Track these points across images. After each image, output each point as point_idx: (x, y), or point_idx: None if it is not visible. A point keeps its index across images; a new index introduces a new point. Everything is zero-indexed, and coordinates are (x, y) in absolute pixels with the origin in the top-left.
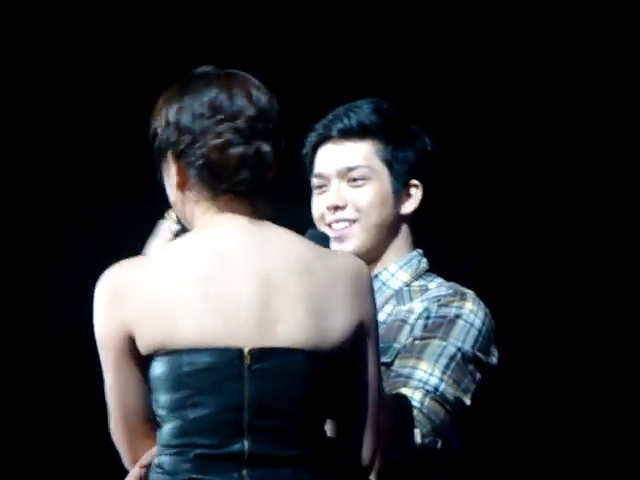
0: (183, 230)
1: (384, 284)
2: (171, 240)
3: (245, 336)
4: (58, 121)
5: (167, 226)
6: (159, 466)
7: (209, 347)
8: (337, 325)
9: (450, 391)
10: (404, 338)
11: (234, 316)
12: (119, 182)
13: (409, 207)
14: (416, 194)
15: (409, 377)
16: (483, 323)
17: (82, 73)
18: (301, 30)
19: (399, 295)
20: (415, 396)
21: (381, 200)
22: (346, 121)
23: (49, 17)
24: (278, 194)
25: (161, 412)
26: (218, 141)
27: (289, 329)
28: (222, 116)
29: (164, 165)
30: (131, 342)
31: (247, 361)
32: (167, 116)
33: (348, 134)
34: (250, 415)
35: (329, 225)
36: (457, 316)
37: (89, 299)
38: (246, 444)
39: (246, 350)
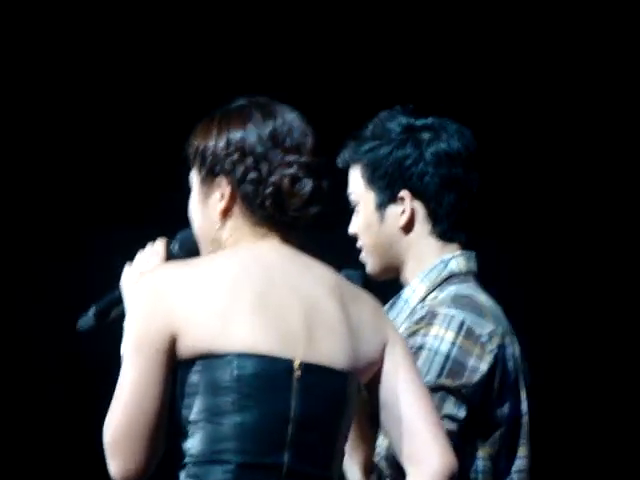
0: (187, 255)
1: (406, 302)
2: (166, 259)
3: (295, 349)
4: (57, 141)
5: (155, 251)
6: (194, 476)
7: (260, 354)
8: (369, 344)
9: None
10: None
11: (286, 328)
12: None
13: (403, 219)
14: (407, 205)
15: None
16: (452, 343)
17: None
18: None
19: (412, 314)
20: None
21: (366, 222)
22: (338, 159)
23: (51, 27)
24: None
25: (197, 417)
26: (290, 171)
27: (332, 350)
28: (287, 147)
29: (204, 187)
30: (172, 342)
31: (297, 373)
32: (229, 139)
33: (346, 166)
34: (294, 428)
35: None
36: (420, 347)
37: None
38: (286, 457)
39: (296, 362)
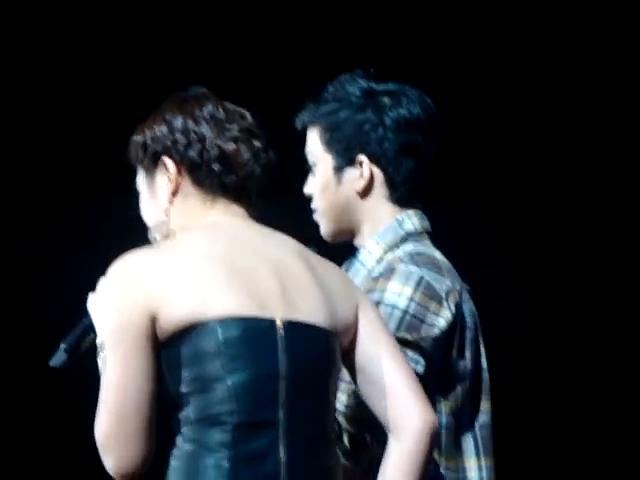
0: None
1: (362, 264)
2: None
3: (274, 309)
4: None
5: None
6: (194, 441)
7: (243, 316)
8: (343, 308)
9: None
10: None
11: (262, 290)
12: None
13: (360, 183)
14: (366, 170)
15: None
16: (410, 299)
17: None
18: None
19: (370, 274)
20: None
21: (322, 185)
22: (297, 120)
23: (32, 14)
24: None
25: (188, 389)
26: (233, 134)
27: (310, 308)
28: (226, 120)
29: (150, 177)
30: (152, 324)
31: (280, 331)
32: (167, 122)
33: (303, 127)
34: (286, 384)
35: None
36: (377, 303)
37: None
38: (281, 414)
39: (278, 320)
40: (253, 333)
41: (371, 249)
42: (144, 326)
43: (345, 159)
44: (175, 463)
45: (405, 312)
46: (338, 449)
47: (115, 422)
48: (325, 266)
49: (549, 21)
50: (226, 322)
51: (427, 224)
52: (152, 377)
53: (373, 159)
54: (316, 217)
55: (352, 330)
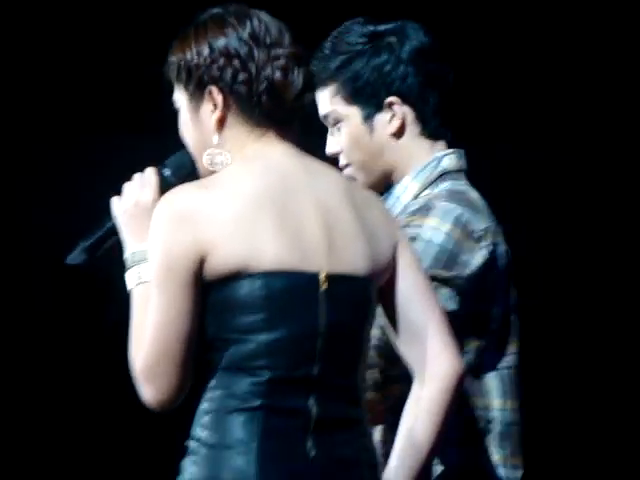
0: (182, 181)
1: (397, 200)
2: (159, 187)
3: (319, 261)
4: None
5: (146, 181)
6: (226, 388)
7: (287, 270)
8: (384, 247)
9: None
10: None
11: (308, 241)
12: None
13: (394, 125)
14: (397, 111)
15: None
16: (448, 235)
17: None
18: None
19: (406, 209)
20: None
21: (354, 138)
22: None
23: None
24: None
25: (226, 335)
26: (280, 63)
27: (353, 257)
28: (269, 44)
29: (194, 102)
30: (200, 264)
31: (323, 286)
32: (211, 46)
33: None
34: (323, 340)
35: None
36: (413, 238)
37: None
38: (315, 370)
39: (322, 275)
40: (296, 288)
41: (407, 185)
42: (192, 268)
43: (374, 106)
44: (207, 405)
45: (441, 248)
46: (368, 380)
47: (156, 359)
48: (369, 203)
49: None
50: (270, 275)
51: (464, 163)
52: (195, 317)
53: (402, 98)
54: (350, 172)
55: (390, 270)
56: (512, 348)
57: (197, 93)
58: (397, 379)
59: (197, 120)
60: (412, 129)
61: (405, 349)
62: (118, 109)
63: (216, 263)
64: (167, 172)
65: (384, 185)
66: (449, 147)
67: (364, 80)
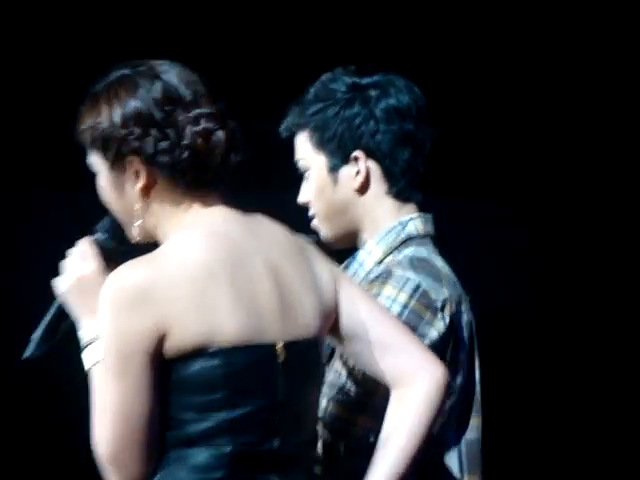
0: (120, 242)
1: (361, 265)
2: (99, 255)
3: (275, 330)
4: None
5: (83, 252)
6: (184, 462)
7: (245, 344)
8: (327, 290)
9: None
10: None
11: (263, 308)
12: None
13: (358, 180)
14: (361, 164)
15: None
16: (405, 306)
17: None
18: None
19: (367, 276)
20: None
21: (319, 188)
22: (282, 126)
23: None
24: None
25: (187, 414)
26: (199, 128)
27: (305, 317)
28: (185, 102)
29: (115, 171)
30: (159, 344)
31: (281, 357)
32: (124, 113)
33: (292, 132)
34: (282, 412)
35: None
36: None
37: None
38: (276, 442)
39: (279, 345)
40: (255, 363)
41: (370, 250)
42: (149, 351)
43: (339, 157)
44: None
45: (399, 317)
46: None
47: (121, 446)
48: (307, 250)
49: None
50: (229, 352)
51: (430, 228)
52: (157, 397)
53: (368, 153)
54: (315, 224)
55: (335, 308)
56: (474, 422)
57: (117, 163)
58: (343, 454)
59: (121, 188)
60: (378, 187)
61: (379, 366)
62: (51, 164)
63: (174, 342)
64: (103, 237)
65: (351, 242)
66: (420, 210)
67: (333, 130)
